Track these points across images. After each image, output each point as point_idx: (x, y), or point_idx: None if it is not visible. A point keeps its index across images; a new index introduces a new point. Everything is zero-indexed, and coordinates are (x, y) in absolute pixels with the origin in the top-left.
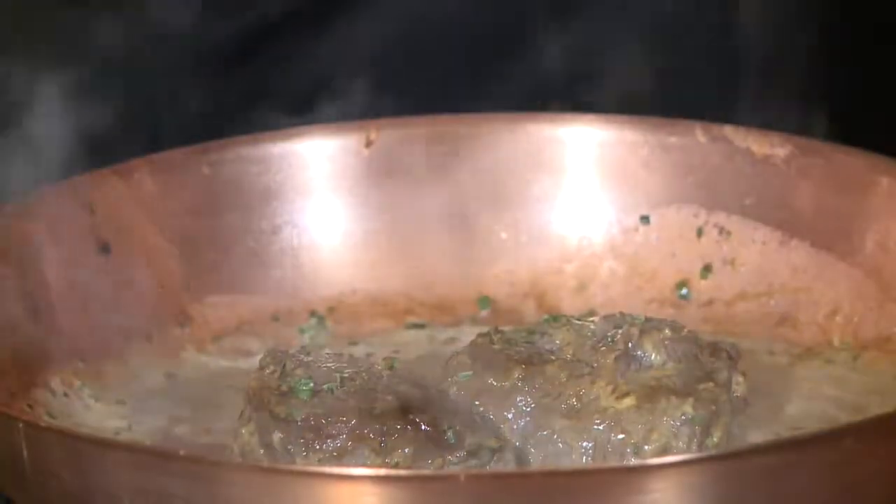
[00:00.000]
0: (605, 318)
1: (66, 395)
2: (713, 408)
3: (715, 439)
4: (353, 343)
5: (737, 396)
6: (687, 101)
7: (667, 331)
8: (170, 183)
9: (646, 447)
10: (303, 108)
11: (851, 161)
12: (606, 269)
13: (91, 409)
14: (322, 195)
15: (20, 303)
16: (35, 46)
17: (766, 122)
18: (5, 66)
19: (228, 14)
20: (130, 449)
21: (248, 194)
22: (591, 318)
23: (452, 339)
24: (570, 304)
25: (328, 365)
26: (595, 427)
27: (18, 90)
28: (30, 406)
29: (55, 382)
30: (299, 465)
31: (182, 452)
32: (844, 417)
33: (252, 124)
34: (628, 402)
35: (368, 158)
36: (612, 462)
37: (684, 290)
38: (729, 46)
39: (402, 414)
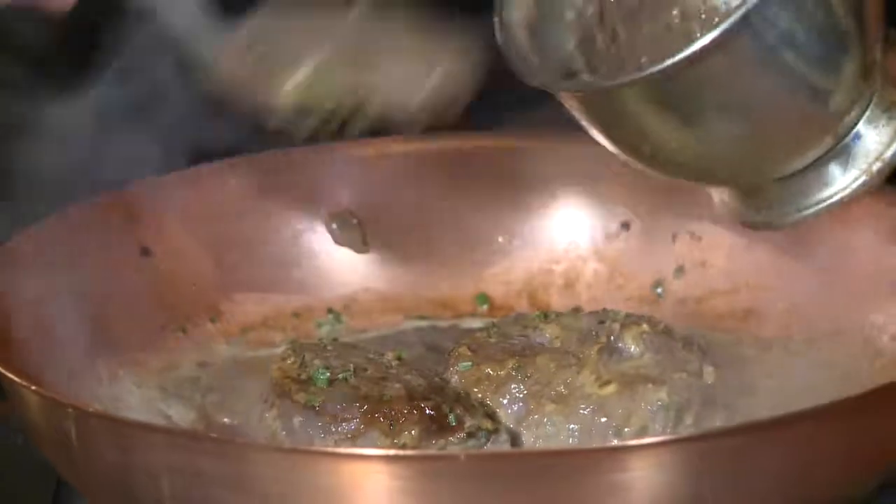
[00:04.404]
0: (590, 314)
1: (111, 382)
2: (686, 395)
3: (687, 423)
4: (365, 336)
5: (707, 384)
6: None
7: (644, 325)
8: (202, 194)
9: (626, 429)
10: None
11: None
12: (591, 269)
13: (133, 394)
14: (337, 203)
15: (72, 300)
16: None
17: None
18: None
19: None
20: (166, 432)
21: (271, 204)
22: (578, 314)
23: (454, 333)
24: (558, 302)
25: (343, 356)
26: (581, 411)
27: (67, 111)
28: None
29: (101, 371)
30: (317, 447)
31: (212, 435)
32: (802, 403)
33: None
34: (610, 389)
35: (380, 171)
36: (596, 443)
37: (660, 289)
38: None
39: (409, 400)
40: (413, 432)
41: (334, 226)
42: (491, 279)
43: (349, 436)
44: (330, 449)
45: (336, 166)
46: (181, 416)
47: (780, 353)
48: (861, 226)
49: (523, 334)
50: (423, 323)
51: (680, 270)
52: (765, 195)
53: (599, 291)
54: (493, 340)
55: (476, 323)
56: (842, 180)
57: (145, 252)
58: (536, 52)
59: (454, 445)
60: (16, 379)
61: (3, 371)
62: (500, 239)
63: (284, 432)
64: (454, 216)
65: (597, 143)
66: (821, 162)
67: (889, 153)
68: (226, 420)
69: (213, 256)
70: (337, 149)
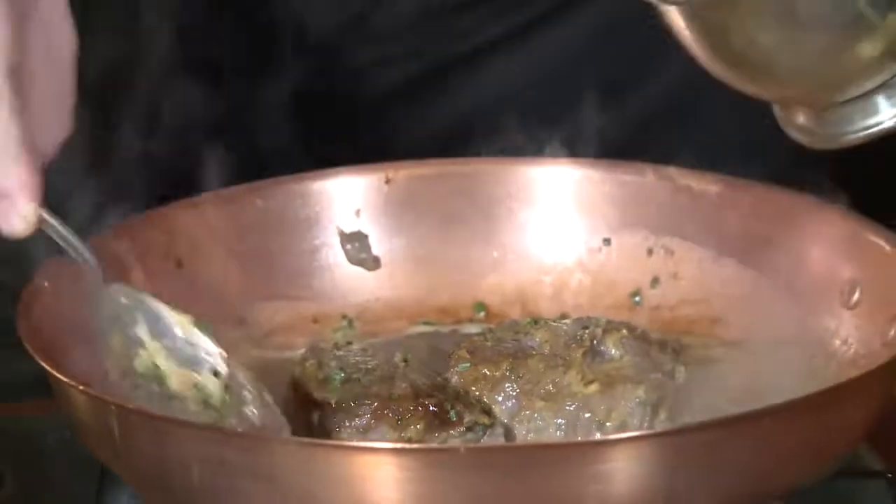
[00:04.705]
0: (575, 320)
1: None
2: (660, 393)
3: (662, 418)
4: (376, 340)
5: (679, 383)
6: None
7: (624, 331)
8: (230, 212)
9: (607, 424)
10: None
11: (769, 196)
12: (576, 280)
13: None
14: (351, 222)
15: None
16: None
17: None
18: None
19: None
20: (196, 427)
21: (292, 221)
22: (564, 321)
23: (454, 338)
24: (547, 309)
25: (356, 358)
26: (567, 408)
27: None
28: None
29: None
30: (332, 440)
31: (238, 429)
32: (765, 401)
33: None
34: (593, 388)
35: (388, 194)
36: (581, 436)
37: (637, 298)
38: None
39: (415, 398)
40: (418, 426)
41: (348, 247)
42: (487, 289)
43: (361, 430)
44: (344, 442)
45: (349, 190)
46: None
47: (744, 356)
48: (816, 240)
49: (516, 339)
50: (427, 328)
51: (655, 281)
52: (826, 118)
53: (583, 300)
54: (489, 344)
55: (474, 328)
56: (885, 113)
57: (178, 264)
58: None
59: (454, 439)
60: (64, 379)
61: (54, 372)
62: (495, 254)
63: (304, 430)
64: (454, 234)
65: (579, 167)
66: (874, 92)
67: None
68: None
69: (240, 268)
70: (350, 174)
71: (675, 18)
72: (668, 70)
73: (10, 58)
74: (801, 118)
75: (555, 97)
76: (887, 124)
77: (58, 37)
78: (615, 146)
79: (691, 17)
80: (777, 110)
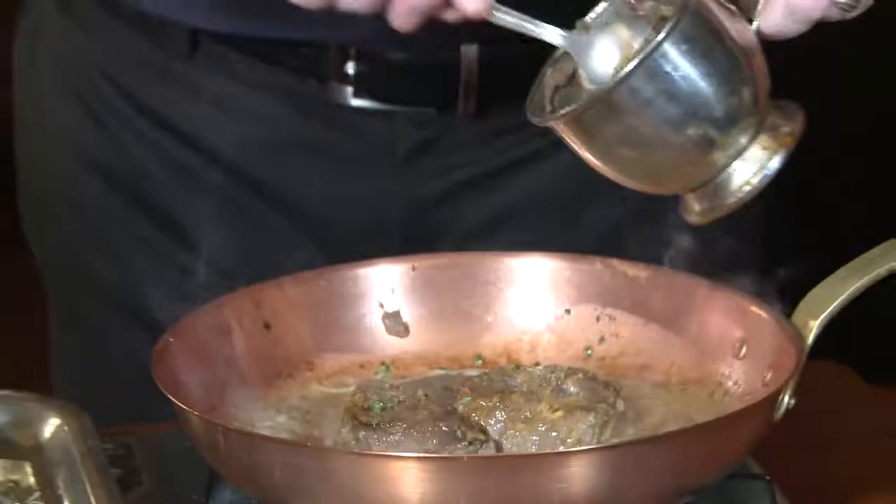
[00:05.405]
0: (545, 367)
1: (244, 408)
2: (606, 418)
3: (607, 436)
4: (404, 381)
5: (620, 411)
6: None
7: (580, 374)
8: (303, 290)
9: (568, 440)
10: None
11: (682, 280)
12: (545, 339)
13: (259, 416)
14: (387, 298)
15: (220, 356)
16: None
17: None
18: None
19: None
20: (279, 441)
21: (346, 296)
22: (538, 367)
23: (460, 379)
24: (526, 359)
25: (390, 393)
26: (539, 429)
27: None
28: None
29: (238, 401)
30: (373, 451)
31: (308, 443)
32: (679, 425)
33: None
34: (558, 414)
35: (414, 277)
36: (549, 450)
37: (589, 351)
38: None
39: (432, 421)
40: (434, 441)
41: (387, 322)
42: (483, 345)
43: (394, 444)
44: (382, 452)
45: (386, 275)
46: (289, 430)
47: (664, 393)
48: (715, 312)
49: (503, 380)
50: (441, 372)
51: (601, 340)
52: (710, 192)
53: (551, 353)
54: (484, 384)
55: (474, 372)
56: (735, 191)
57: (266, 326)
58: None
59: (460, 451)
60: (185, 407)
61: (180, 405)
62: (489, 319)
63: (353, 442)
64: (460, 306)
65: (548, 258)
66: (733, 163)
67: (755, 180)
68: (316, 433)
69: (310, 329)
70: (387, 263)
71: (565, 135)
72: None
73: None
74: (695, 204)
75: (539, 217)
76: (755, 181)
77: None
78: (576, 249)
79: (573, 134)
80: (682, 205)
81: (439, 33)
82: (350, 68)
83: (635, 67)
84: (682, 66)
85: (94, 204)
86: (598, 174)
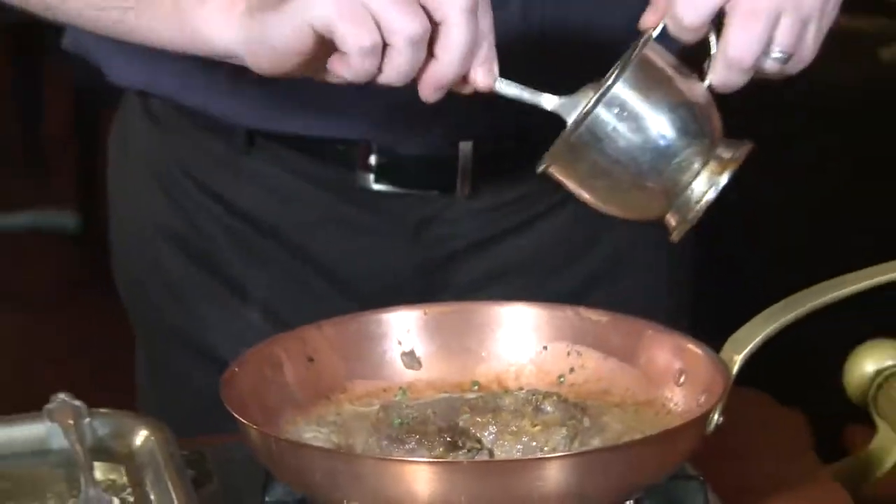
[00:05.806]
0: (528, 391)
1: (292, 423)
2: (575, 432)
3: (576, 446)
4: (418, 402)
5: (586, 426)
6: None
7: (555, 397)
8: (338, 330)
9: (545, 449)
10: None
11: (635, 323)
12: (528, 370)
13: (303, 430)
14: (406, 338)
15: (273, 386)
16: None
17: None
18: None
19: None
20: (319, 449)
21: (371, 336)
22: (522, 391)
23: (461, 401)
24: (512, 385)
25: (406, 411)
26: (523, 439)
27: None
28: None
29: (287, 418)
30: (394, 457)
31: (342, 451)
32: (632, 437)
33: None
34: (538, 429)
35: (426, 320)
36: (530, 456)
37: (562, 379)
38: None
39: (439, 434)
40: (440, 449)
41: (404, 358)
42: (479, 374)
43: (408, 451)
44: (400, 458)
45: (403, 319)
46: (327, 440)
47: (621, 412)
48: (661, 348)
49: (495, 401)
50: (446, 395)
51: (572, 370)
52: (674, 215)
53: (532, 380)
54: (480, 404)
55: (472, 396)
56: (695, 205)
57: (310, 359)
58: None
59: (461, 457)
60: (246, 423)
61: (244, 421)
62: (483, 354)
63: (378, 449)
64: (462, 344)
65: (532, 307)
66: (684, 196)
67: (704, 199)
68: (350, 442)
69: (343, 361)
70: (403, 309)
71: (557, 176)
72: (603, 243)
73: None
74: (672, 221)
75: (523, 274)
76: (710, 196)
77: None
78: (552, 299)
79: (561, 177)
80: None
81: (442, 132)
82: (373, 160)
83: (587, 113)
84: (628, 107)
85: (175, 271)
86: (573, 235)
